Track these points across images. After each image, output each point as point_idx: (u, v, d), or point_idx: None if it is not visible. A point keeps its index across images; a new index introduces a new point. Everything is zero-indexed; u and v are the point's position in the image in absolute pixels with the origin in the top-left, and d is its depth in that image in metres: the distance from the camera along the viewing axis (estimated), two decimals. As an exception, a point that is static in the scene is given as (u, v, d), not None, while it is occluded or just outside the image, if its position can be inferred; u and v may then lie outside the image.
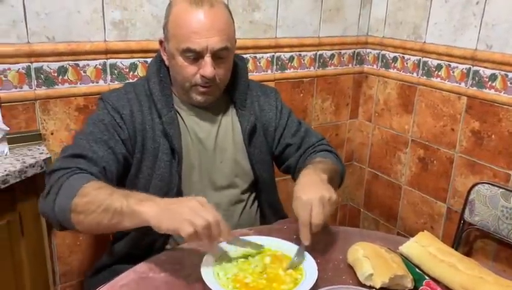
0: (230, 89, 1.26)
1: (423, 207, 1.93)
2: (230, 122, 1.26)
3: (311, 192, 0.98)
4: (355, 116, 2.20)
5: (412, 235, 1.10)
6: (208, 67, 1.10)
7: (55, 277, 1.58)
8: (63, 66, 1.43)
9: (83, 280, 1.64)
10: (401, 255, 1.05)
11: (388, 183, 2.10)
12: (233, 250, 1.00)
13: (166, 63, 1.20)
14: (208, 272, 0.93)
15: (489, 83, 1.60)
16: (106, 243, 1.61)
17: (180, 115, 1.21)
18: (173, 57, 1.13)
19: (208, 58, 1.10)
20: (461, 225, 1.64)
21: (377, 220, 2.20)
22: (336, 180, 1.22)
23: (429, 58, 1.81)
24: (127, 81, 1.52)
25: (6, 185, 1.20)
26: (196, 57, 1.11)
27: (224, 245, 0.99)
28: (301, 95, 1.96)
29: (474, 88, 1.66)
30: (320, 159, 1.21)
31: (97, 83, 1.50)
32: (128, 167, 1.17)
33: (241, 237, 1.02)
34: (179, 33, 1.10)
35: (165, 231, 0.87)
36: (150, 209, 0.88)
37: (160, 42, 1.20)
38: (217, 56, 1.12)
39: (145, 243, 1.18)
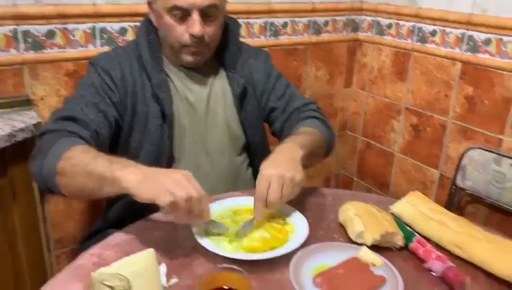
0: (221, 51, 1.24)
1: (416, 174, 1.94)
2: (221, 86, 1.24)
3: (274, 168, 0.94)
4: (350, 85, 2.18)
5: (404, 203, 1.09)
6: (195, 25, 1.08)
7: (49, 244, 1.59)
8: (51, 29, 1.39)
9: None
10: (392, 214, 1.06)
11: (381, 151, 2.11)
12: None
13: (155, 24, 1.17)
14: (201, 233, 0.93)
15: (484, 47, 1.59)
16: (100, 209, 1.62)
17: (170, 78, 1.19)
18: (161, 16, 1.11)
19: (195, 16, 1.08)
20: (453, 190, 1.66)
21: (369, 189, 2.21)
22: (320, 151, 1.19)
23: (424, 23, 1.79)
24: (117, 45, 1.49)
25: (-4, 149, 1.19)
26: (183, 15, 1.08)
27: None
28: (295, 62, 1.94)
29: (469, 53, 1.64)
30: (304, 130, 1.16)
31: (86, 47, 1.47)
32: (120, 132, 1.16)
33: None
34: None
35: (144, 200, 0.84)
36: (132, 177, 0.85)
37: (149, 3, 1.17)
38: (206, 14, 1.09)
39: (139, 209, 1.17)
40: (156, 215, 1.04)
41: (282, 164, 0.96)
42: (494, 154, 1.53)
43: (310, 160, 1.07)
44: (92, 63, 1.15)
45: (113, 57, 1.16)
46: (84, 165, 0.91)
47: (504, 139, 1.58)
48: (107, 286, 0.65)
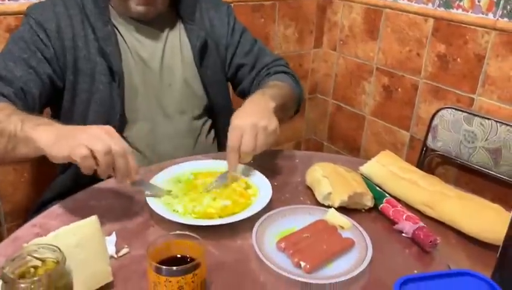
0: (177, 1, 1.13)
1: (386, 137, 1.90)
2: (177, 40, 1.14)
3: (246, 117, 0.90)
4: (320, 45, 2.10)
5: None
6: None
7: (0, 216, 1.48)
8: (-15, -22, 1.24)
9: (31, 219, 1.54)
10: (362, 175, 1.00)
11: (352, 114, 2.05)
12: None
13: None
14: (154, 199, 0.86)
15: (457, 2, 1.52)
16: (52, 179, 1.51)
17: (118, 30, 1.08)
18: None
19: None
20: (424, 151, 1.62)
21: (340, 153, 2.16)
22: (291, 105, 1.14)
23: (396, -22, 1.70)
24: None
25: None
26: None
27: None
28: (262, 20, 1.83)
29: (442, 8, 1.57)
30: (274, 83, 1.11)
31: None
32: (58, 90, 1.05)
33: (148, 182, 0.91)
34: None
35: (59, 159, 0.75)
36: (44, 136, 0.77)
37: None
38: None
39: (88, 179, 1.08)
40: (106, 182, 0.95)
41: (255, 113, 0.91)
42: (465, 113, 1.49)
43: (281, 114, 1.02)
44: (26, 14, 1.04)
45: (48, 7, 1.04)
46: None
47: (476, 98, 1.54)
48: (37, 258, 0.57)
